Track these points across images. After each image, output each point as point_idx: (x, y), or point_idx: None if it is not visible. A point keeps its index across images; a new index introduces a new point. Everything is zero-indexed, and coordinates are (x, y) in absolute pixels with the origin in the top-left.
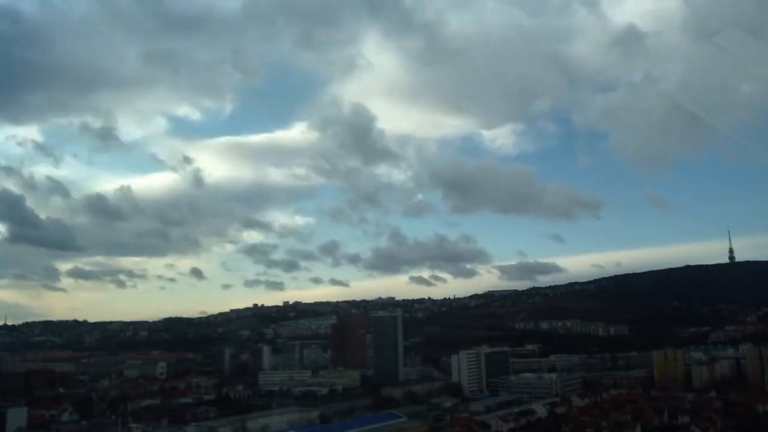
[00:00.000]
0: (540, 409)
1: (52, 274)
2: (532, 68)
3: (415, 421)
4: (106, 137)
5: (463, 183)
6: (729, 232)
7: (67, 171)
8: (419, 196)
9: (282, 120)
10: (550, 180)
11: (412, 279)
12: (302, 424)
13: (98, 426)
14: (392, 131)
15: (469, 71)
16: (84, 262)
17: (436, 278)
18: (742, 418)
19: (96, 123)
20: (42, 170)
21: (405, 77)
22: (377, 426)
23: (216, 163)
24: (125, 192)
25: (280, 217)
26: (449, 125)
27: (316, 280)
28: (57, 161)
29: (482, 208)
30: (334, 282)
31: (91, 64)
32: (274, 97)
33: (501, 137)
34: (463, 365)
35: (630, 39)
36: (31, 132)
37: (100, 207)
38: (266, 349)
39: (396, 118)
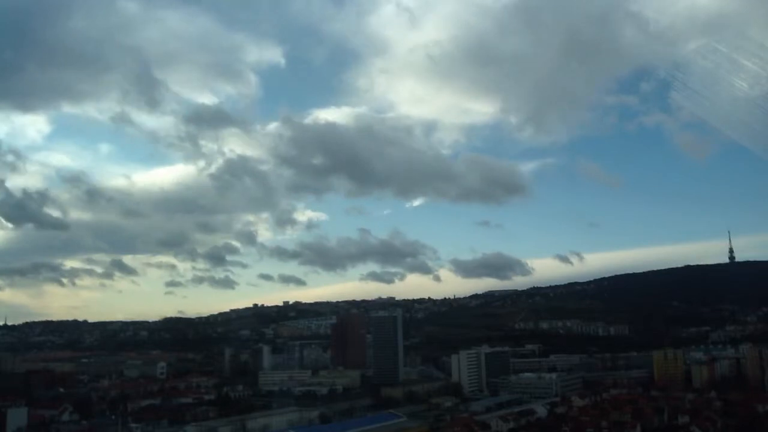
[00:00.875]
0: (540, 409)
1: (53, 272)
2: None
3: (415, 421)
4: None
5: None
6: (729, 232)
7: (73, 162)
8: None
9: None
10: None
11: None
12: (302, 424)
13: (98, 426)
14: (416, 116)
15: (499, 54)
16: (84, 260)
17: (392, 275)
18: (742, 418)
19: (107, 110)
20: (48, 161)
21: (432, 58)
22: (377, 426)
23: (226, 153)
24: (130, 186)
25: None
26: (477, 112)
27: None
28: (64, 151)
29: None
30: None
31: (104, 43)
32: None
33: (531, 125)
34: (463, 365)
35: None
36: (38, 120)
37: (102, 201)
38: (266, 349)
39: (421, 103)
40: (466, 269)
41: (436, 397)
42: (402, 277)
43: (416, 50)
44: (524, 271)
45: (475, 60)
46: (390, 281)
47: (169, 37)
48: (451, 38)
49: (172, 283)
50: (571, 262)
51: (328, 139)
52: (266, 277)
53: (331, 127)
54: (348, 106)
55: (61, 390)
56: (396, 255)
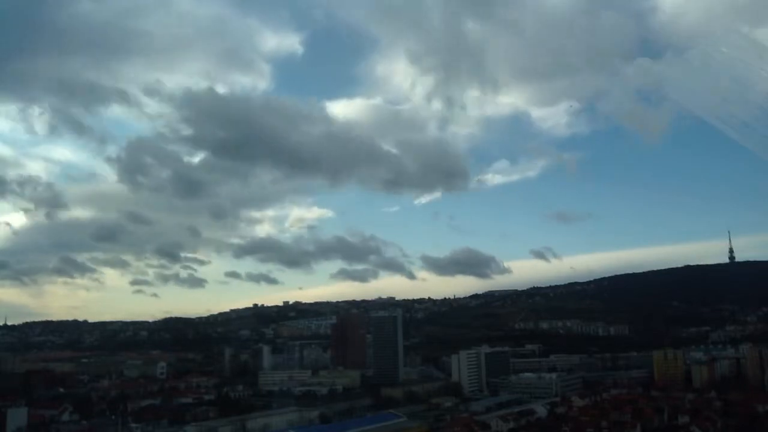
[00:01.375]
0: (540, 409)
1: (52, 272)
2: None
3: (415, 421)
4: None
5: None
6: (729, 232)
7: (68, 156)
8: None
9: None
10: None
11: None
12: (302, 424)
13: (98, 426)
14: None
15: (521, 38)
16: (84, 259)
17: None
18: (742, 418)
19: (106, 102)
20: (42, 154)
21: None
22: (377, 426)
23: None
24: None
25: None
26: (497, 102)
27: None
28: (59, 145)
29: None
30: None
31: (103, 28)
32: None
33: (553, 117)
34: (463, 365)
35: None
36: (34, 111)
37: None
38: (266, 349)
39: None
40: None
41: (436, 397)
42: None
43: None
44: (501, 269)
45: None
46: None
47: (178, 22)
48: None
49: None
50: (548, 260)
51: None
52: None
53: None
54: (362, 97)
55: (61, 390)
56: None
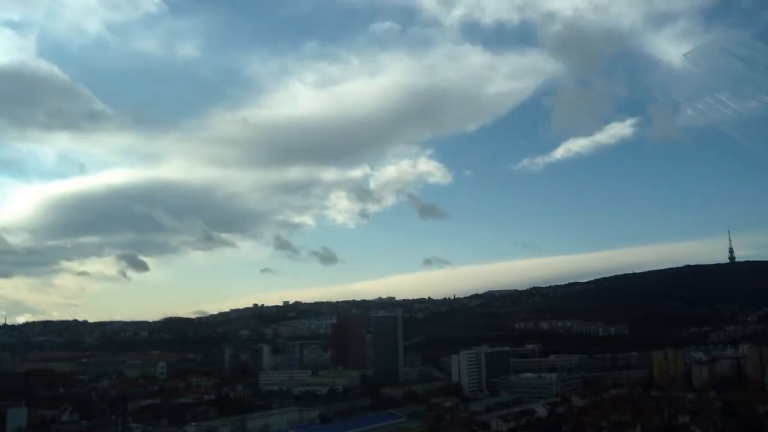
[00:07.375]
0: (540, 409)
1: (54, 272)
2: None
3: (415, 421)
4: None
5: None
6: (729, 231)
7: None
8: None
9: None
10: None
11: None
12: (302, 424)
13: (98, 426)
14: None
15: None
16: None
17: None
18: (742, 418)
19: None
20: None
21: None
22: (377, 426)
23: None
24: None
25: None
26: None
27: None
28: None
29: None
30: None
31: None
32: None
33: None
34: (463, 365)
35: None
36: None
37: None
38: (266, 349)
39: None
40: None
41: (436, 397)
42: None
43: None
44: None
45: None
46: None
47: None
48: None
49: None
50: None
51: None
52: None
53: None
54: None
55: (61, 390)
56: None
